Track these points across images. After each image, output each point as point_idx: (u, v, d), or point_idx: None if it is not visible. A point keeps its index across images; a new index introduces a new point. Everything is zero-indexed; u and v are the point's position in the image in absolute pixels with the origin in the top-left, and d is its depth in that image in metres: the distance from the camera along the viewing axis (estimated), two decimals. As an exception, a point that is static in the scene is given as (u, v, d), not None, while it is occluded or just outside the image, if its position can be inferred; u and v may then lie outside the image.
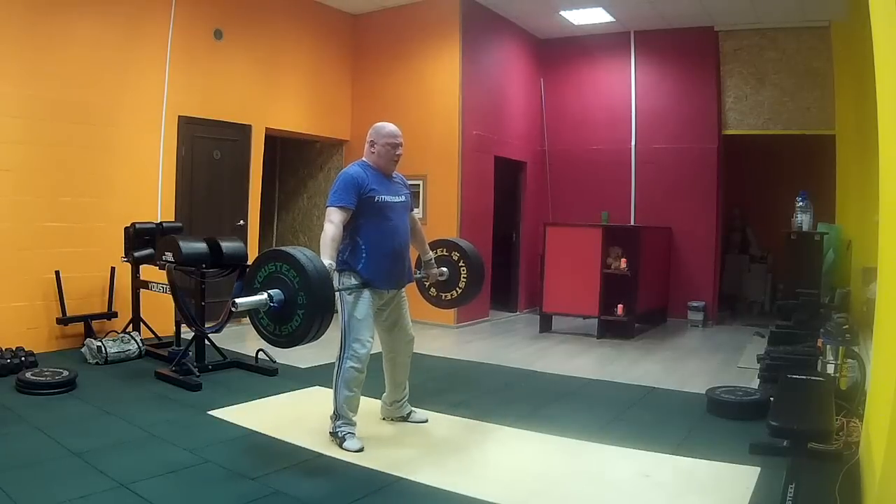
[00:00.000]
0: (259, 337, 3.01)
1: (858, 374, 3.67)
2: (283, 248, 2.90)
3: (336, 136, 7.92)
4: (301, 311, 2.74)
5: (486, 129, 7.65)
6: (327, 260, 3.04)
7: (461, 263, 3.93)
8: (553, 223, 7.67)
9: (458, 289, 3.96)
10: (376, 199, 3.33)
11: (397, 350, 3.63)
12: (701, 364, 5.66)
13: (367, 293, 3.32)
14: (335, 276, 3.33)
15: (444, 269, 3.91)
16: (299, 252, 2.81)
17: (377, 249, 3.32)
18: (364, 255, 3.30)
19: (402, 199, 3.49)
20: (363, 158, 3.45)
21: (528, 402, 4.34)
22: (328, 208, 3.27)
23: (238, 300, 2.77)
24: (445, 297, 4.03)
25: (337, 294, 3.36)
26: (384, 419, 3.79)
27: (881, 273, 2.65)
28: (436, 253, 3.91)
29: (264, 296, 2.78)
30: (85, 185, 5.53)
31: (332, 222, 3.21)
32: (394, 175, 3.50)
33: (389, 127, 3.44)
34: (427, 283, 3.99)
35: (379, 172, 3.41)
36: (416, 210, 3.68)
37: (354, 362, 3.29)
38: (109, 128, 5.68)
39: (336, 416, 3.38)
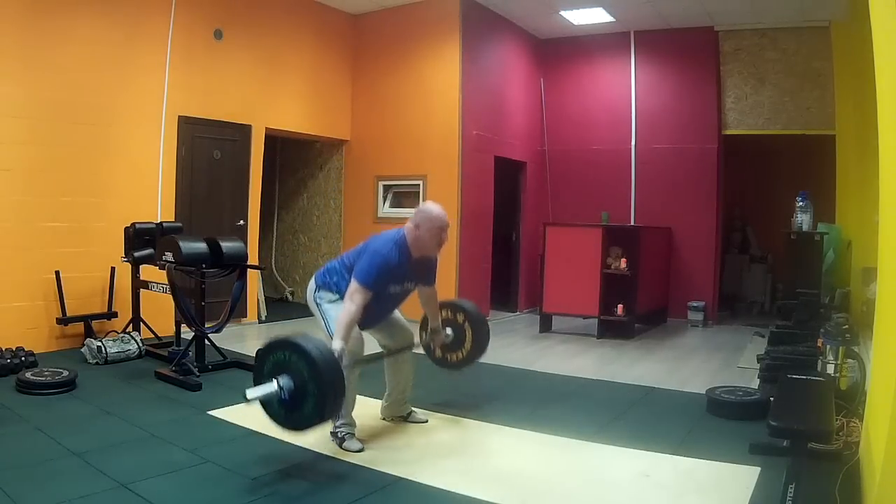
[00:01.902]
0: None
1: (858, 374, 3.67)
2: (291, 338, 2.84)
3: (336, 136, 7.92)
4: (312, 396, 2.73)
5: (486, 129, 7.65)
6: (339, 343, 3.00)
7: (465, 325, 3.94)
8: (553, 223, 7.67)
9: (463, 350, 3.97)
10: (388, 287, 3.30)
11: (396, 345, 3.63)
12: (701, 364, 5.66)
13: None
14: (321, 292, 3.37)
15: (449, 330, 3.91)
16: (307, 342, 2.77)
17: (366, 313, 3.25)
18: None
19: (411, 287, 3.46)
20: (403, 233, 3.33)
21: (528, 402, 4.34)
22: (356, 283, 3.15)
23: (249, 392, 2.75)
24: (451, 357, 4.04)
25: (316, 303, 3.39)
26: (384, 419, 3.79)
27: (881, 273, 2.65)
28: (441, 315, 3.89)
29: (274, 385, 2.76)
30: (85, 185, 5.53)
31: (356, 304, 3.12)
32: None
33: (437, 212, 3.31)
34: (433, 348, 4.01)
35: (409, 253, 3.32)
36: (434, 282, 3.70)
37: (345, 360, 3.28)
38: (110, 128, 5.68)
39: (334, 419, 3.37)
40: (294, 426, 2.86)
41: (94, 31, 5.56)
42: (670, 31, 7.93)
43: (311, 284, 3.46)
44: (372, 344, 3.68)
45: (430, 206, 3.36)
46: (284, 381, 2.76)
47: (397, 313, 3.66)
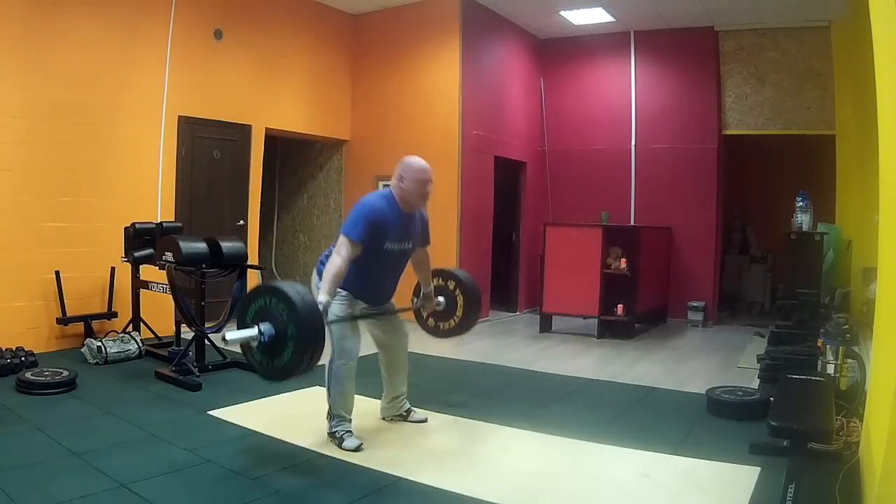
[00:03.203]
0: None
1: (858, 374, 3.67)
2: (273, 283, 2.90)
3: (336, 136, 7.92)
4: (291, 344, 2.74)
5: (486, 129, 7.65)
6: (324, 296, 3.02)
7: (457, 292, 3.93)
8: (553, 223, 7.66)
9: (455, 318, 3.97)
10: (384, 245, 3.28)
11: (391, 348, 3.65)
12: (701, 364, 5.66)
13: (347, 294, 3.31)
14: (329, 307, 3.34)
15: (441, 298, 3.90)
16: (290, 287, 2.80)
17: (365, 282, 3.29)
18: (351, 281, 3.25)
19: (408, 246, 3.44)
20: (390, 189, 3.37)
21: (528, 402, 4.33)
22: (342, 237, 3.18)
23: (228, 334, 2.77)
24: (443, 326, 4.04)
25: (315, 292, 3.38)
26: (384, 419, 3.80)
27: (881, 273, 2.65)
28: (433, 282, 3.88)
29: (255, 330, 2.79)
30: (85, 185, 5.53)
31: (342, 256, 3.12)
32: (414, 211, 3.42)
33: (420, 163, 3.34)
34: (425, 314, 3.99)
35: (399, 208, 3.33)
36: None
37: (343, 359, 3.29)
38: (109, 128, 5.68)
39: (331, 415, 3.39)
40: (273, 375, 2.87)
41: (94, 32, 5.55)
42: (670, 31, 7.93)
43: (314, 278, 3.44)
44: (367, 346, 3.69)
45: (412, 158, 3.37)
46: (265, 327, 2.78)
47: (398, 313, 3.64)
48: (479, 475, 3.06)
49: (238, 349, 2.99)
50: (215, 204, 6.66)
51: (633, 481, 3.01)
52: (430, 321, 4.05)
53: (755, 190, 9.27)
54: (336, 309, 3.23)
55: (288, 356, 2.76)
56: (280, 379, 2.89)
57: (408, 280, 3.72)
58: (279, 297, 2.78)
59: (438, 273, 3.97)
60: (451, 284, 3.95)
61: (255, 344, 2.82)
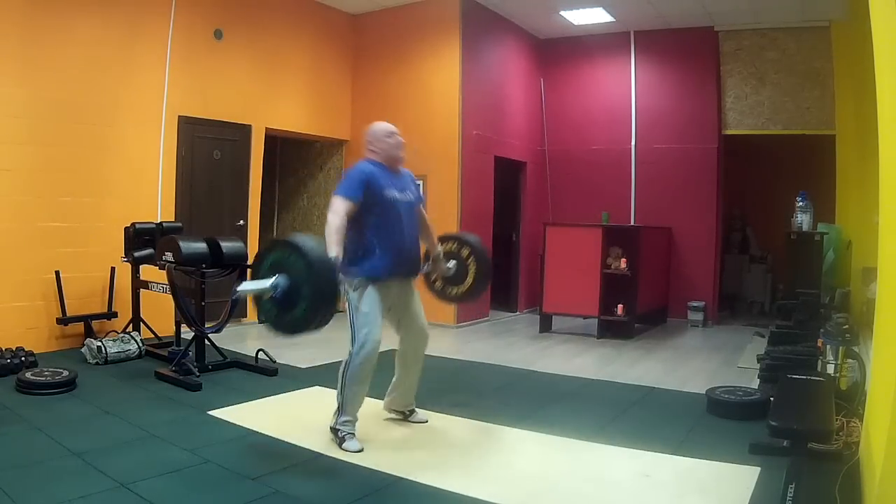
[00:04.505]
0: (261, 329, 3.01)
1: (858, 374, 3.67)
2: (290, 237, 2.90)
3: (336, 136, 7.92)
4: (305, 299, 2.73)
5: (486, 129, 7.65)
6: (333, 251, 3.03)
7: (469, 259, 3.90)
8: (553, 223, 7.66)
9: (465, 284, 3.94)
10: (385, 193, 3.33)
11: (410, 343, 3.64)
12: (701, 364, 5.66)
13: (371, 289, 3.31)
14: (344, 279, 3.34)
15: (452, 263, 3.88)
16: (306, 240, 2.81)
17: (386, 244, 3.32)
18: (372, 249, 3.30)
19: (411, 196, 3.50)
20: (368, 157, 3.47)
21: (528, 402, 4.34)
22: (334, 197, 3.24)
23: (241, 285, 2.78)
24: (451, 291, 4.01)
25: (343, 291, 3.37)
26: (385, 410, 3.80)
27: (881, 273, 2.65)
28: (444, 247, 3.91)
29: (268, 282, 2.78)
30: (85, 185, 5.53)
31: (337, 213, 3.18)
32: (401, 171, 3.53)
33: (383, 125, 3.50)
34: (433, 278, 3.97)
35: (386, 168, 3.43)
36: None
37: (363, 356, 3.28)
38: (109, 128, 5.68)
39: (340, 410, 3.36)
40: (283, 329, 2.87)
41: (95, 31, 5.56)
42: (670, 31, 7.93)
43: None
44: (388, 340, 3.69)
45: (376, 123, 3.52)
46: (280, 279, 2.77)
47: (415, 303, 3.58)
48: (479, 475, 3.06)
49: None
50: (215, 204, 6.66)
51: (633, 481, 3.01)
52: (438, 284, 4.02)
53: (755, 190, 9.27)
54: (367, 307, 3.26)
55: (300, 311, 2.75)
56: (290, 333, 2.87)
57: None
58: (295, 251, 2.77)
59: (451, 238, 3.99)
60: (465, 252, 3.91)
61: (267, 296, 2.81)
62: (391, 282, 3.40)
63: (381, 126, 3.50)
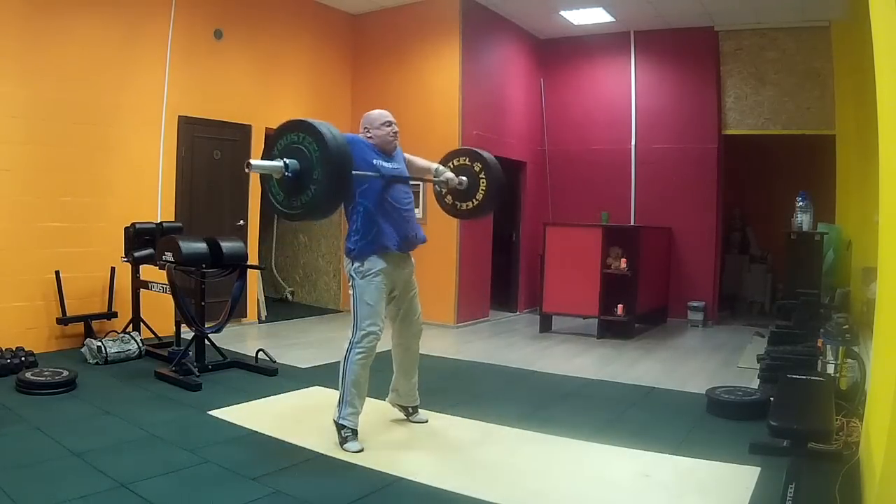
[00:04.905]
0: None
1: (858, 374, 3.67)
2: (307, 119, 2.86)
3: (336, 136, 7.91)
4: (314, 184, 2.70)
5: (486, 129, 7.65)
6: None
7: (482, 175, 3.87)
8: (553, 223, 7.66)
9: (475, 199, 3.92)
10: (375, 163, 3.36)
11: (405, 337, 3.66)
12: (701, 364, 5.66)
13: (377, 280, 3.33)
14: (351, 264, 3.37)
15: (464, 178, 3.86)
16: (324, 126, 2.77)
17: (385, 215, 3.33)
18: (376, 223, 3.31)
19: (403, 168, 3.57)
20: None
21: (528, 402, 4.34)
22: None
23: (252, 161, 2.74)
24: (461, 206, 3.99)
25: (350, 276, 3.39)
26: (389, 402, 3.80)
27: (881, 273, 2.65)
28: (458, 161, 3.92)
29: (280, 163, 2.74)
30: (85, 185, 5.53)
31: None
32: (395, 153, 3.56)
33: (379, 112, 3.54)
34: (444, 191, 3.97)
35: (379, 149, 3.46)
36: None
37: (363, 346, 3.30)
38: (109, 128, 5.68)
39: (342, 403, 3.35)
40: (290, 213, 2.85)
41: (95, 31, 5.56)
42: (670, 31, 7.93)
43: (345, 260, 3.48)
44: (385, 342, 3.69)
45: (371, 111, 3.57)
46: (292, 161, 2.75)
47: (416, 299, 3.61)
48: (479, 475, 3.06)
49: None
50: (215, 204, 6.66)
51: (633, 481, 3.01)
52: (449, 198, 4.01)
53: (755, 190, 9.27)
54: (373, 296, 3.28)
55: (309, 196, 2.72)
56: (296, 218, 2.86)
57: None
58: (311, 135, 2.74)
59: (464, 153, 3.98)
60: (478, 167, 3.88)
61: (277, 177, 2.78)
62: (398, 259, 3.44)
63: (377, 113, 3.54)
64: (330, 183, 2.71)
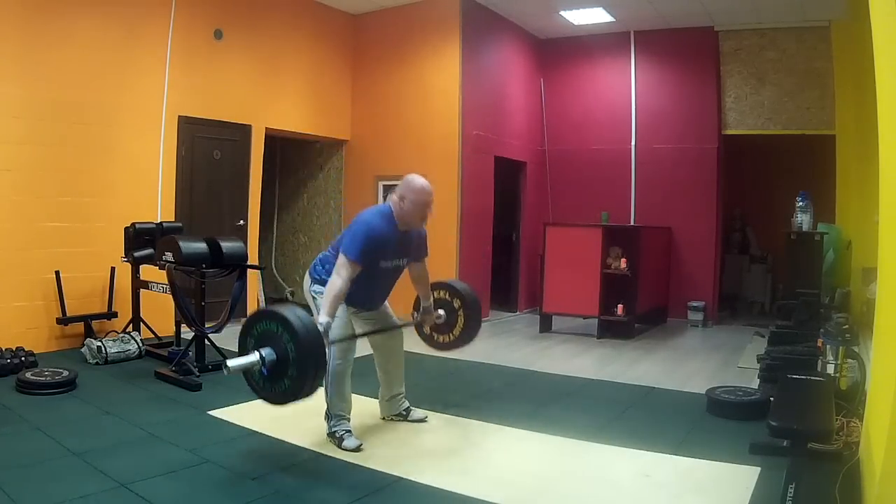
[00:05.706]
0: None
1: (858, 374, 3.67)
2: (274, 308, 2.84)
3: (336, 136, 7.92)
4: (293, 370, 2.71)
5: (486, 129, 7.65)
6: (324, 318, 2.99)
7: (460, 311, 3.88)
8: (553, 223, 7.67)
9: (452, 334, 3.94)
10: (380, 265, 3.29)
11: (386, 347, 3.66)
12: (701, 364, 5.66)
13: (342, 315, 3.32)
14: (315, 286, 3.36)
15: (441, 311, 3.86)
16: (290, 312, 2.76)
17: (356, 291, 3.24)
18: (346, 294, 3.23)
19: (403, 263, 3.45)
20: (389, 205, 3.31)
21: (528, 402, 4.33)
22: (342, 256, 3.12)
23: (229, 363, 2.74)
24: (440, 339, 4.01)
25: (312, 296, 3.38)
26: (384, 418, 3.80)
27: (881, 273, 2.65)
28: (436, 294, 3.86)
29: (256, 356, 2.75)
30: (85, 185, 5.53)
31: (342, 277, 3.08)
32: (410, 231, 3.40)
33: (422, 183, 3.26)
34: (426, 328, 3.96)
35: (398, 227, 3.30)
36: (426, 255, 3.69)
37: (338, 357, 3.30)
38: (110, 128, 5.68)
39: (329, 415, 3.39)
40: (276, 399, 2.84)
41: (95, 32, 5.55)
42: (670, 31, 7.93)
43: (307, 279, 3.47)
44: (364, 346, 3.69)
45: (415, 178, 3.28)
46: (266, 352, 2.75)
47: (389, 308, 3.65)
48: (479, 475, 3.06)
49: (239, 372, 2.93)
50: (215, 204, 6.66)
51: (633, 481, 3.01)
52: (427, 330, 4.00)
53: (755, 190, 9.27)
54: (336, 332, 3.19)
55: (289, 382, 2.72)
56: (283, 403, 2.85)
57: (407, 290, 3.73)
58: (280, 323, 2.74)
59: (442, 286, 3.95)
60: (457, 303, 3.89)
61: (256, 369, 2.79)
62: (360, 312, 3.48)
63: (422, 187, 3.24)
64: (306, 368, 2.70)
